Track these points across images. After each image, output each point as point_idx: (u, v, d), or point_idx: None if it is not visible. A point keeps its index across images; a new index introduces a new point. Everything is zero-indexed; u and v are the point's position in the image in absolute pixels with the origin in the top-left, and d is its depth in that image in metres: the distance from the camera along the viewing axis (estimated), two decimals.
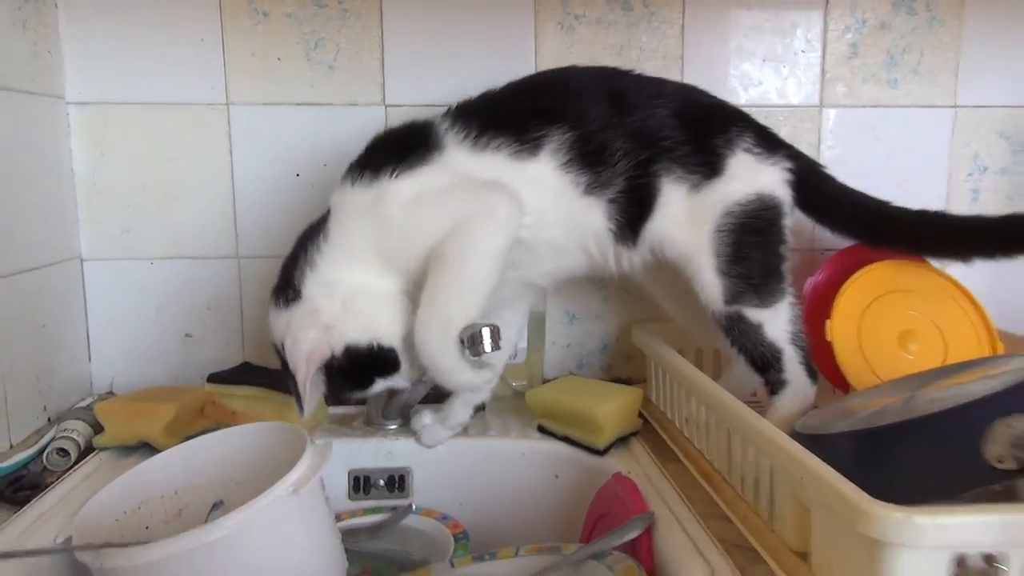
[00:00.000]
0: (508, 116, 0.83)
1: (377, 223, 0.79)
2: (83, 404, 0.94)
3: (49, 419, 0.91)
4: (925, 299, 0.94)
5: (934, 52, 1.07)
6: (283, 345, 0.78)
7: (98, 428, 0.87)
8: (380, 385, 0.81)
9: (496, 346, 0.77)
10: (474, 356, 0.77)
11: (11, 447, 0.83)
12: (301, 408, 0.78)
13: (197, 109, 1.00)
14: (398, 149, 0.82)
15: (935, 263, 0.96)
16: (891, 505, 0.48)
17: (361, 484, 0.92)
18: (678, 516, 0.71)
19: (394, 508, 0.89)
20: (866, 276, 0.95)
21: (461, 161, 0.81)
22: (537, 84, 0.89)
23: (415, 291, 0.79)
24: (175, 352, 1.04)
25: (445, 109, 0.85)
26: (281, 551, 0.65)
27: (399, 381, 0.82)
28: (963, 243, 0.90)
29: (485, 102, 0.86)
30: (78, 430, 0.86)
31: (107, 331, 1.03)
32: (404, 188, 0.79)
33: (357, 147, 0.98)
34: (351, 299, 0.78)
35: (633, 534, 0.70)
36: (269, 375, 0.95)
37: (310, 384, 0.76)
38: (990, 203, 1.11)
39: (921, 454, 0.61)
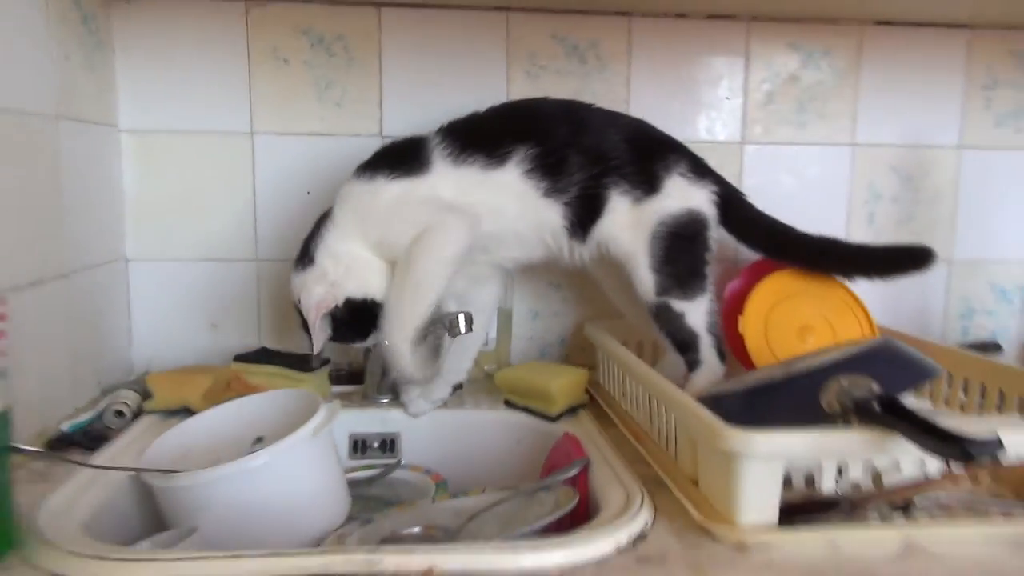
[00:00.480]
0: (485, 136, 1.02)
1: (366, 212, 1.00)
2: (131, 378, 1.12)
3: (102, 391, 1.09)
4: (819, 300, 1.14)
5: (836, 100, 1.29)
6: (299, 299, 0.99)
7: (145, 397, 1.03)
8: (375, 337, 1.00)
9: (469, 328, 0.97)
10: (452, 337, 0.98)
11: (76, 410, 1.01)
12: (311, 347, 1.00)
13: (227, 137, 1.19)
14: (397, 158, 1.02)
15: None
16: (737, 428, 0.69)
17: (359, 446, 1.09)
18: (609, 461, 0.89)
19: (386, 464, 1.08)
20: (772, 281, 1.15)
21: (444, 174, 1.00)
22: (513, 109, 1.08)
23: (387, 263, 0.99)
24: (203, 339, 1.22)
25: (439, 125, 1.04)
26: (302, 480, 0.83)
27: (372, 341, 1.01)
28: (849, 266, 1.11)
29: (470, 123, 1.05)
30: (130, 398, 1.03)
31: (146, 321, 1.21)
32: (392, 190, 0.99)
33: None
34: (351, 265, 0.99)
35: (572, 472, 0.89)
36: (283, 357, 1.14)
37: (319, 327, 0.96)
38: (884, 226, 1.32)
39: (782, 405, 0.82)
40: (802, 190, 1.30)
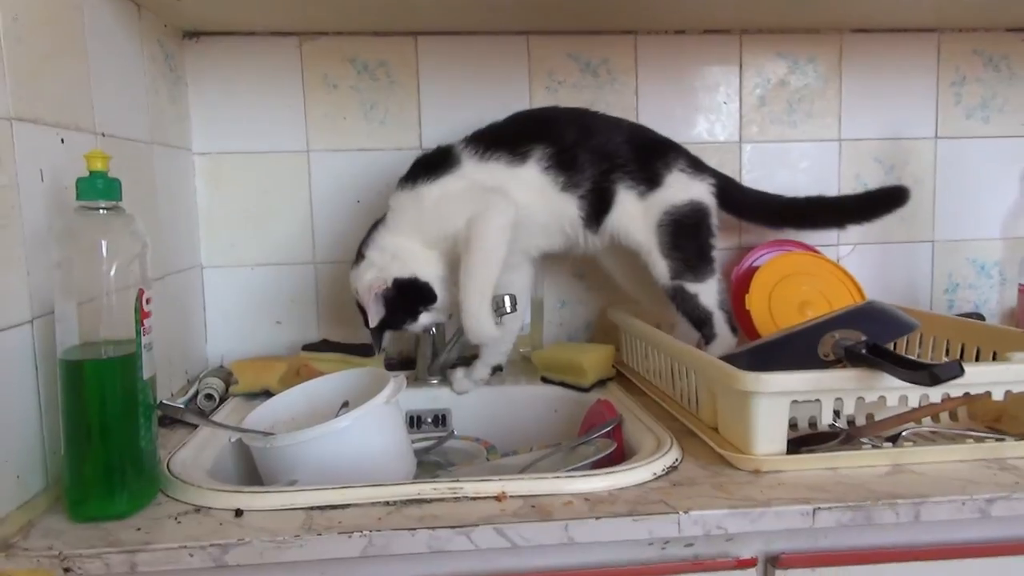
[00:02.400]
0: (505, 138, 1.15)
1: (416, 213, 1.13)
2: (215, 367, 1.26)
3: (188, 380, 1.24)
4: (817, 279, 1.29)
5: (821, 101, 1.44)
6: (356, 290, 1.13)
7: (228, 383, 1.19)
8: (425, 318, 1.13)
9: (514, 308, 1.12)
10: (499, 316, 1.12)
11: (171, 395, 1.16)
12: (377, 347, 1.15)
13: (285, 155, 1.34)
14: (430, 165, 1.15)
15: (826, 251, 1.34)
16: (750, 372, 0.84)
17: (415, 421, 1.23)
18: (640, 417, 1.03)
19: (440, 436, 1.23)
20: (774, 264, 1.30)
21: (472, 170, 1.14)
22: (527, 116, 1.21)
23: (439, 253, 1.13)
24: (268, 335, 1.36)
25: (464, 138, 1.17)
26: (379, 440, 0.96)
27: (438, 315, 1.14)
28: (838, 215, 1.27)
29: (490, 129, 1.18)
30: (215, 384, 1.18)
31: (219, 320, 1.35)
32: (433, 190, 1.13)
33: None
34: (396, 253, 1.12)
35: (608, 427, 1.02)
36: (343, 347, 1.29)
37: (373, 305, 1.09)
38: None
39: (785, 358, 0.95)
40: (796, 182, 1.44)
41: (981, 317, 1.49)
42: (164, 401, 0.79)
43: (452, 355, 1.28)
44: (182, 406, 0.84)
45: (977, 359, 1.06)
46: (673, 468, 0.86)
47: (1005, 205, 1.48)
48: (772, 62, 1.42)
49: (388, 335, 1.17)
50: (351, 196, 1.36)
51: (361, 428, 0.95)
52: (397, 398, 1.00)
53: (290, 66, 1.33)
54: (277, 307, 1.37)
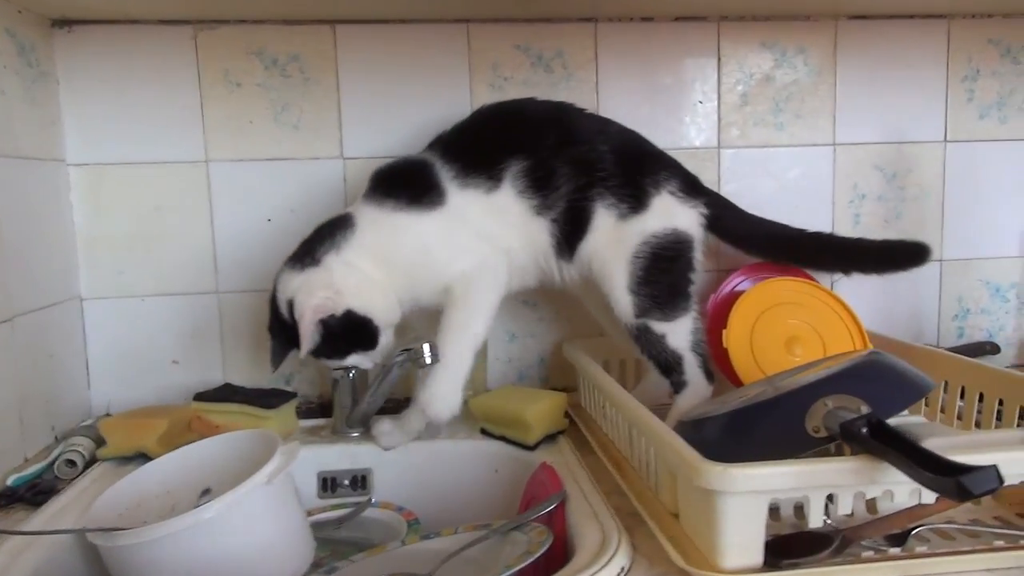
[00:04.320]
0: (480, 151, 1.00)
1: (388, 243, 0.97)
2: (86, 423, 1.06)
3: (56, 437, 1.04)
4: (806, 309, 1.10)
5: (813, 99, 1.24)
6: (291, 300, 0.95)
7: (100, 442, 0.99)
8: (352, 359, 0.98)
9: (435, 359, 0.92)
10: (419, 368, 0.93)
11: (26, 460, 0.96)
12: (275, 364, 0.99)
13: (180, 167, 1.14)
14: (406, 184, 0.99)
15: (819, 276, 1.15)
16: (713, 462, 0.64)
17: (329, 484, 1.04)
18: (586, 494, 0.85)
19: (356, 503, 1.03)
20: (756, 292, 1.11)
21: (457, 204, 0.98)
22: (499, 116, 1.04)
23: (404, 300, 0.98)
24: (165, 376, 1.17)
25: (433, 141, 1.02)
26: (257, 531, 0.78)
27: (366, 360, 0.99)
28: (845, 261, 1.11)
29: (461, 137, 1.03)
30: (83, 444, 0.99)
31: (105, 360, 1.16)
32: (411, 225, 0.97)
33: (319, 195, 1.15)
34: (362, 282, 0.96)
35: (548, 508, 0.84)
36: (246, 393, 1.10)
37: (309, 334, 0.93)
38: (870, 225, 1.28)
39: (766, 429, 0.76)
40: (783, 193, 1.25)
41: (996, 347, 1.30)
42: None
43: (377, 402, 1.08)
44: None
45: (999, 415, 0.87)
46: None
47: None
48: (755, 54, 1.23)
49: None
50: (260, 214, 1.17)
51: (234, 517, 0.78)
52: (288, 470, 0.81)
53: (183, 61, 1.13)
54: (174, 344, 1.18)
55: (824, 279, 1.24)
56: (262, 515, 0.79)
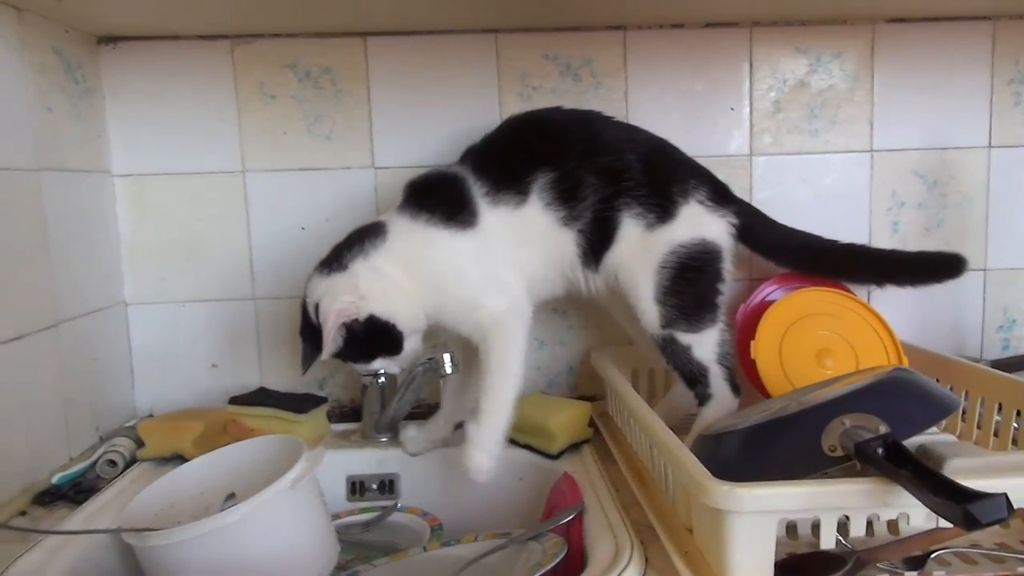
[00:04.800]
0: (509, 165, 0.99)
1: (419, 255, 0.96)
2: (129, 424, 1.11)
3: (100, 437, 1.08)
4: (838, 320, 1.08)
5: (849, 105, 1.21)
6: (317, 304, 0.94)
7: (140, 443, 1.03)
8: (378, 363, 0.97)
9: (456, 369, 0.94)
10: (439, 378, 0.94)
11: (70, 459, 1.01)
12: (305, 367, 0.97)
13: (218, 177, 1.18)
14: (440, 199, 0.98)
15: (856, 288, 1.12)
16: (720, 480, 0.64)
17: (357, 488, 1.07)
18: (604, 506, 0.85)
19: (383, 507, 1.05)
20: (786, 303, 1.09)
21: (488, 224, 0.97)
22: (527, 126, 1.03)
23: (429, 315, 0.97)
24: (203, 379, 1.20)
25: (465, 153, 1.02)
26: (282, 534, 0.80)
27: (393, 365, 0.98)
28: (879, 272, 1.08)
29: (492, 150, 1.02)
30: (124, 445, 1.03)
31: (147, 363, 1.20)
32: (443, 242, 0.96)
33: (352, 203, 1.18)
34: (388, 287, 0.95)
35: (565, 519, 0.85)
36: (280, 397, 1.13)
37: (332, 337, 0.92)
38: (910, 233, 1.24)
39: (782, 446, 0.75)
40: (818, 201, 1.22)
41: None
42: None
43: (403, 408, 1.10)
44: None
45: None
46: None
47: None
48: (789, 59, 1.20)
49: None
50: (294, 222, 1.20)
51: (258, 520, 0.80)
52: (313, 475, 0.84)
53: (221, 74, 1.16)
54: (213, 348, 1.21)
55: (861, 290, 1.21)
56: (286, 519, 0.81)
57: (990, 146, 1.23)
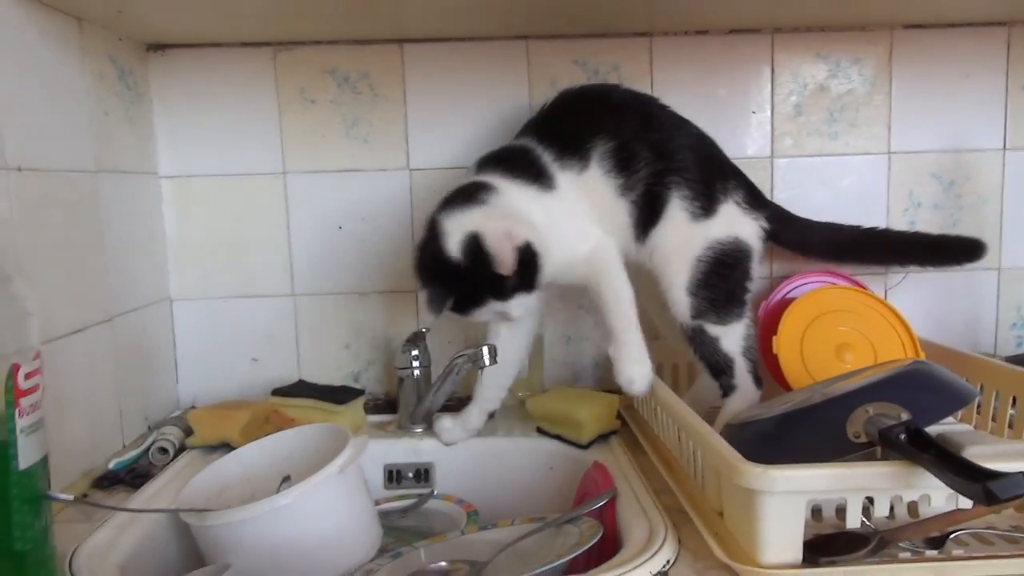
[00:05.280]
0: (569, 133, 1.02)
1: (527, 211, 0.96)
2: (175, 415, 1.16)
3: (149, 427, 1.13)
4: (857, 317, 1.11)
5: (868, 108, 1.25)
6: (474, 234, 0.92)
7: (188, 432, 1.07)
8: (488, 309, 0.95)
9: (494, 360, 0.98)
10: (478, 368, 0.98)
11: (123, 447, 1.06)
12: (436, 310, 0.93)
13: (260, 178, 1.22)
14: (529, 170, 1.00)
15: (873, 285, 1.17)
16: (753, 463, 0.68)
17: (394, 476, 1.11)
18: (636, 492, 0.89)
19: (420, 495, 1.10)
20: (807, 300, 1.13)
21: (563, 187, 1.00)
22: (586, 96, 1.07)
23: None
24: (244, 373, 1.25)
25: (524, 129, 1.06)
26: (331, 516, 0.84)
27: (508, 310, 0.95)
28: (902, 253, 1.15)
29: (552, 120, 1.05)
30: (173, 434, 1.08)
31: (191, 357, 1.25)
32: (542, 202, 0.98)
33: (387, 204, 1.22)
34: (519, 217, 0.95)
35: (599, 503, 0.88)
36: (319, 389, 1.17)
37: (510, 258, 0.90)
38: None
39: (808, 433, 0.80)
40: (837, 202, 1.26)
41: None
42: (49, 493, 0.67)
43: (439, 400, 1.14)
44: (70, 498, 0.72)
45: None
46: (663, 574, 0.71)
47: None
48: (810, 64, 1.24)
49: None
50: (332, 221, 1.24)
51: (309, 504, 0.84)
52: (358, 462, 0.88)
53: (263, 79, 1.21)
54: (253, 343, 1.26)
55: (878, 288, 1.25)
56: (335, 502, 0.86)
57: (1005, 148, 1.26)
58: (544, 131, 1.04)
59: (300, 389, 1.17)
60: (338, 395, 1.15)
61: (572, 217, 1.00)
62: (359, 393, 1.18)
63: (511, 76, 1.22)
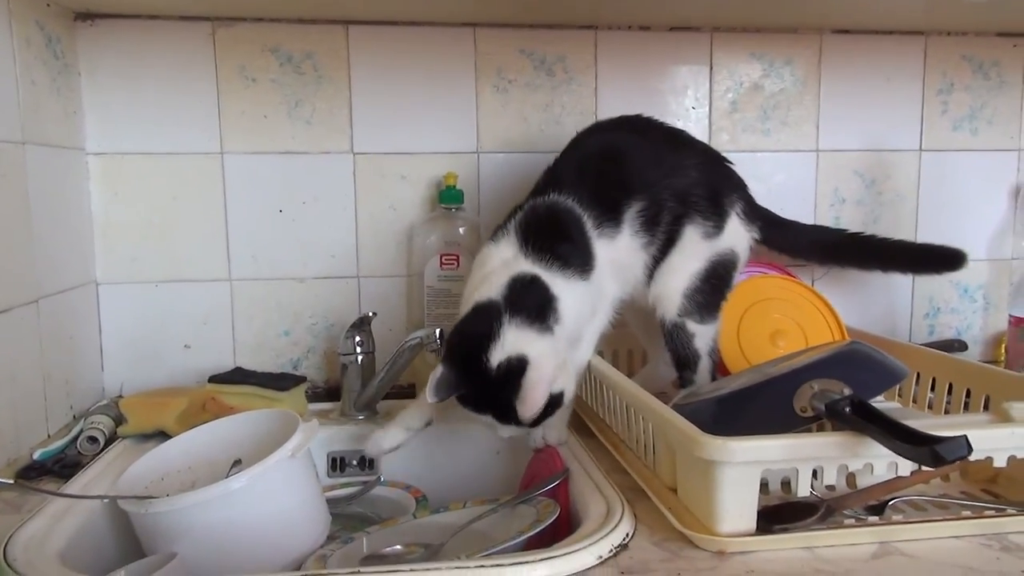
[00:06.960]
0: (606, 194, 0.99)
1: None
2: (101, 403, 1.10)
3: (74, 416, 1.07)
4: (789, 305, 1.17)
5: (798, 108, 1.31)
6: (520, 356, 0.87)
7: (119, 421, 1.03)
8: (483, 419, 0.91)
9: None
10: (429, 352, 0.98)
11: (48, 436, 1.00)
12: (441, 396, 0.89)
13: (196, 158, 1.18)
14: (576, 252, 0.95)
15: (800, 274, 1.22)
16: (712, 435, 0.70)
17: (338, 463, 1.09)
18: (588, 472, 0.90)
19: (365, 482, 1.08)
20: (742, 288, 1.16)
21: (599, 253, 0.97)
22: (619, 147, 1.03)
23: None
24: (176, 360, 1.20)
25: (559, 178, 0.99)
26: (282, 501, 0.82)
27: (503, 432, 0.92)
28: (886, 260, 1.17)
29: (589, 179, 0.99)
30: (103, 423, 1.02)
31: (118, 344, 1.19)
32: (574, 291, 0.94)
33: (330, 188, 1.20)
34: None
35: (555, 483, 0.89)
36: (258, 376, 1.14)
37: (540, 404, 0.86)
38: (849, 227, 1.33)
39: (757, 409, 0.83)
40: (769, 196, 1.27)
41: (964, 345, 1.39)
42: None
43: (383, 388, 1.13)
44: (10, 481, 0.68)
45: (966, 405, 0.95)
46: (623, 547, 0.72)
47: (992, 224, 1.39)
48: (745, 63, 1.30)
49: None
50: (272, 205, 1.21)
51: (260, 488, 0.81)
52: (309, 446, 0.86)
53: (201, 56, 1.16)
54: (186, 329, 1.21)
55: (805, 279, 1.31)
56: (285, 487, 0.83)
57: (921, 149, 1.35)
58: (582, 188, 0.99)
59: (239, 376, 1.13)
60: (279, 382, 1.12)
61: (597, 294, 0.99)
62: (301, 380, 1.15)
63: (458, 63, 1.22)
